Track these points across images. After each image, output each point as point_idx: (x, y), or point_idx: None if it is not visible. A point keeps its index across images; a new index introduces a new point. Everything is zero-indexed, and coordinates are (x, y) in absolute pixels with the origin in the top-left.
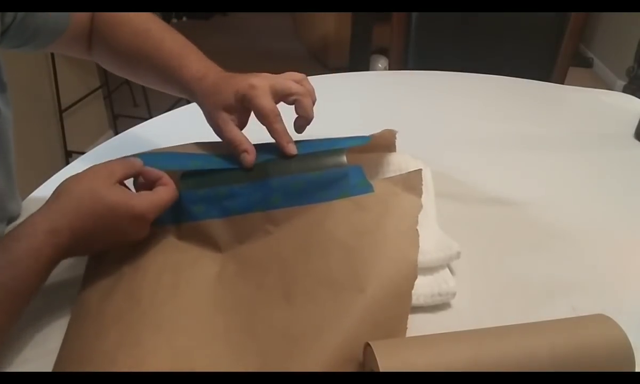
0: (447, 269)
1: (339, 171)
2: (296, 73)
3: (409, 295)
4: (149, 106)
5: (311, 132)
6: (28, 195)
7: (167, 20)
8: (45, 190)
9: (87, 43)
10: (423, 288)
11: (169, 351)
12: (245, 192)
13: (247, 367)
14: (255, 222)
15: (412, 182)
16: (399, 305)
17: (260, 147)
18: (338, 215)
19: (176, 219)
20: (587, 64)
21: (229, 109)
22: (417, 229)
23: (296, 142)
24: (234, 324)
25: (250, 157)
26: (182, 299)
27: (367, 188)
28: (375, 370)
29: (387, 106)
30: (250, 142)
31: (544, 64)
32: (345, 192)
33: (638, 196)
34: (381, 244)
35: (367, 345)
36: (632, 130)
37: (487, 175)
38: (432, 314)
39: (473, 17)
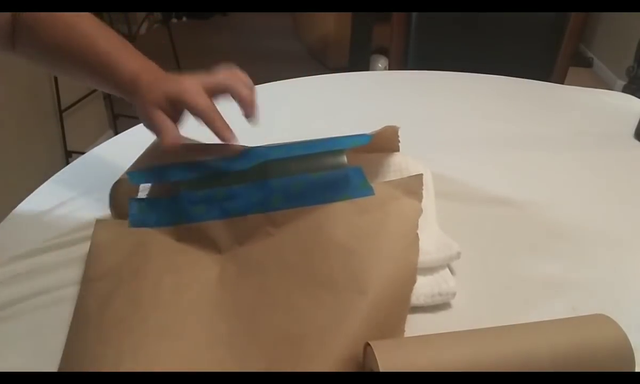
0: (447, 269)
1: (340, 173)
2: (225, 66)
3: (408, 298)
4: None
5: (311, 132)
6: (28, 195)
7: (167, 20)
8: (45, 190)
9: (9, 40)
10: (423, 287)
11: (173, 357)
12: (245, 193)
13: (251, 371)
14: (256, 223)
15: (412, 187)
16: (399, 308)
17: (260, 148)
18: (339, 217)
19: (175, 220)
20: (587, 64)
21: (160, 109)
22: (417, 233)
23: (296, 142)
24: (236, 328)
25: (173, 141)
26: (184, 303)
27: (368, 190)
28: (375, 370)
29: (387, 106)
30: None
31: (544, 64)
32: (345, 194)
33: (638, 196)
34: (382, 247)
35: (367, 345)
36: (632, 130)
37: (487, 175)
38: (432, 314)
39: (473, 17)
